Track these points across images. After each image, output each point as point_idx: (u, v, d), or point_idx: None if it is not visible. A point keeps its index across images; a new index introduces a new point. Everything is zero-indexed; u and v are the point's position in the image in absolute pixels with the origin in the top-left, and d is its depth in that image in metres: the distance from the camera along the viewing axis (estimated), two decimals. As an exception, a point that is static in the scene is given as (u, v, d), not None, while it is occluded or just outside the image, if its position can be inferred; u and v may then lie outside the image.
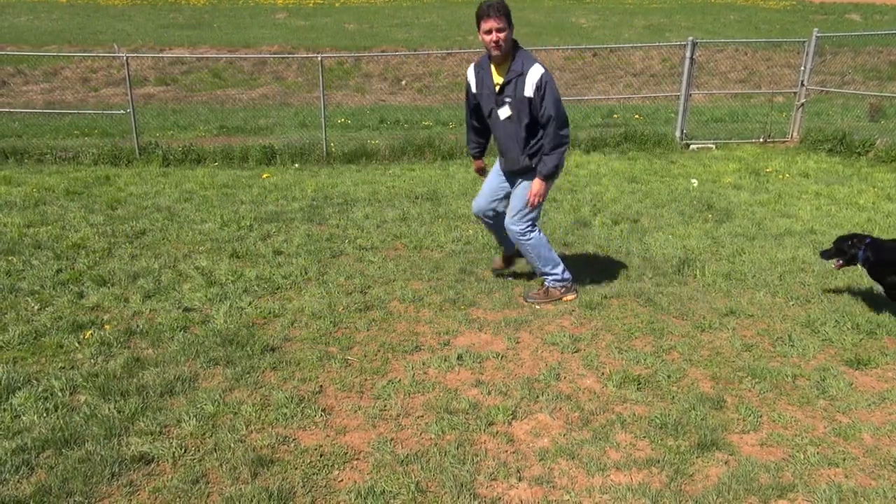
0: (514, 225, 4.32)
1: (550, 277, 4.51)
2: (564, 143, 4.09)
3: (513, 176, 4.39)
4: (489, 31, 3.86)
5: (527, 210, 4.26)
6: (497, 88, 4.07)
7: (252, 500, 2.68)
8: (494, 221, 4.61)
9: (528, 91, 3.94)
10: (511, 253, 4.86)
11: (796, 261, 5.27)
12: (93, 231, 5.98)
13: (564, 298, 4.53)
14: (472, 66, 4.25)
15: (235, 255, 5.42)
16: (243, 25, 29.07)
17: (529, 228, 4.31)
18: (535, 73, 3.93)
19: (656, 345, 3.99)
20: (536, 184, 4.17)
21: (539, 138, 4.12)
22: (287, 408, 3.31)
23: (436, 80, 18.58)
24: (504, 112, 4.09)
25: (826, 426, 3.22)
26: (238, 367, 3.68)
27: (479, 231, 6.05)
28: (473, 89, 4.24)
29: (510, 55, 4.02)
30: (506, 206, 4.46)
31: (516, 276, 5.01)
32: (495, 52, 3.94)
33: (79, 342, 3.96)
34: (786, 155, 9.34)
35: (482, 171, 4.78)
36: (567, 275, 4.53)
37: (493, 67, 4.10)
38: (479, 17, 3.89)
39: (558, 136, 4.03)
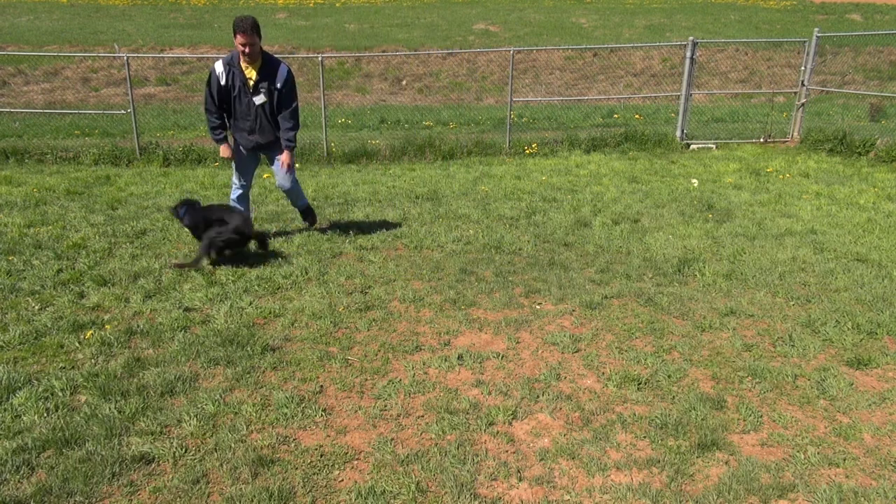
0: (287, 182, 5.66)
1: (308, 205, 6.06)
2: (299, 125, 5.58)
3: (264, 149, 5.59)
4: (242, 43, 5.05)
5: (293, 170, 5.70)
6: (251, 82, 5.25)
7: (252, 500, 2.68)
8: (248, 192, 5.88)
9: (278, 84, 5.29)
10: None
11: (797, 261, 5.27)
12: (93, 231, 5.98)
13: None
14: (219, 63, 5.27)
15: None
16: (244, 25, 29.03)
17: (296, 179, 5.79)
18: (282, 71, 5.30)
19: (657, 345, 3.99)
20: (288, 156, 5.52)
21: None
22: (287, 408, 3.31)
23: (436, 80, 18.60)
24: (259, 99, 5.30)
25: (826, 426, 3.22)
26: (238, 367, 3.69)
27: (479, 231, 6.06)
28: (222, 82, 5.26)
29: (259, 58, 5.24)
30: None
31: (517, 275, 5.01)
32: (249, 59, 5.17)
33: (79, 342, 3.96)
34: (786, 155, 9.34)
35: (231, 155, 5.63)
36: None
37: (243, 66, 5.23)
38: (234, 31, 5.08)
39: (297, 117, 5.47)
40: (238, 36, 5.05)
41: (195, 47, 22.23)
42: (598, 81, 17.71)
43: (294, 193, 5.88)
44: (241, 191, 5.81)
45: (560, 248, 5.65)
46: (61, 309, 4.41)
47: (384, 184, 7.87)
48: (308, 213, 6.11)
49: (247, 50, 5.10)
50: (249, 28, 5.04)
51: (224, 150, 5.60)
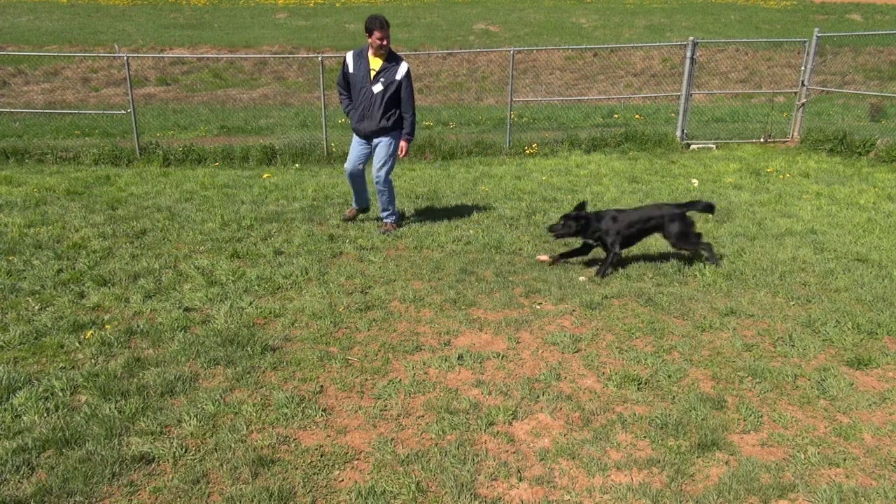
0: (379, 172, 5.98)
1: (390, 216, 6.21)
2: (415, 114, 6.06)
3: (371, 136, 5.97)
4: (380, 38, 5.64)
5: (390, 161, 6.00)
6: (373, 72, 5.81)
7: (253, 500, 2.68)
8: (361, 178, 6.21)
9: (398, 76, 5.81)
10: (364, 206, 6.46)
11: (797, 261, 5.27)
12: (93, 231, 5.98)
13: (395, 229, 6.18)
14: (350, 53, 5.96)
15: (236, 255, 5.42)
16: (244, 25, 29.07)
17: (387, 177, 6.04)
18: (403, 67, 5.83)
19: (657, 345, 3.99)
20: (405, 145, 6.03)
21: (395, 110, 5.91)
22: (287, 408, 3.31)
23: (436, 80, 18.59)
24: (377, 88, 5.80)
25: (827, 426, 3.21)
26: (239, 367, 3.68)
27: (479, 231, 6.06)
28: (350, 70, 5.91)
29: (387, 52, 5.79)
30: (367, 165, 6.20)
31: (517, 275, 5.01)
32: (381, 52, 5.76)
33: (79, 342, 3.96)
34: (786, 155, 9.34)
35: None
36: (397, 215, 6.36)
37: (370, 57, 5.82)
38: (372, 28, 5.63)
39: (413, 109, 5.98)
40: (376, 32, 5.60)
41: (195, 47, 22.23)
42: (598, 81, 17.70)
43: (383, 193, 6.05)
44: (349, 166, 6.11)
45: (560, 247, 5.64)
46: (61, 309, 4.41)
47: (384, 184, 7.86)
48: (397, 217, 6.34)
49: (384, 43, 5.66)
50: (383, 24, 5.63)
51: None
